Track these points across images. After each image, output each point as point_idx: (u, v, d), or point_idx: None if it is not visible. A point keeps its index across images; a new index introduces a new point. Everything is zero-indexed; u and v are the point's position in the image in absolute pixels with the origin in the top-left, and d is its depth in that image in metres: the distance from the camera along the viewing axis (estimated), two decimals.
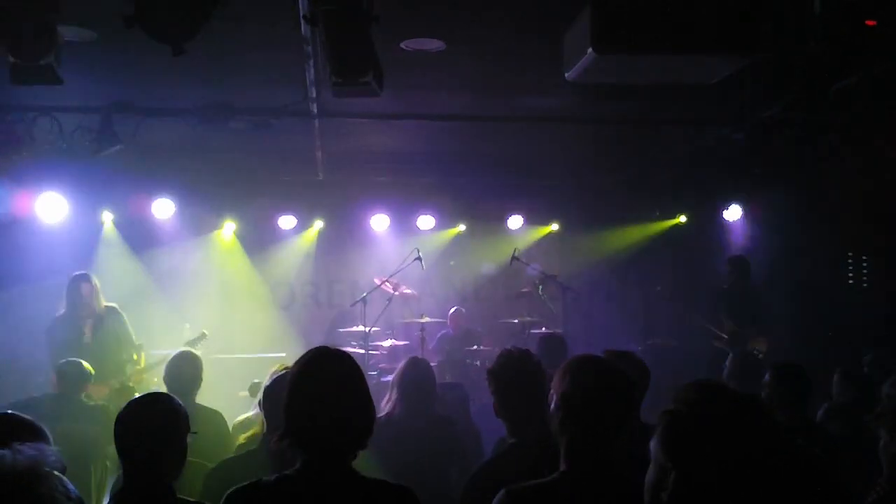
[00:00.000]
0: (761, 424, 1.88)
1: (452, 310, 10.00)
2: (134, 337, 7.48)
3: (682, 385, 1.95)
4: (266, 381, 3.87)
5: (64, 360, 6.11)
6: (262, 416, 4.04)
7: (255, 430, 4.38)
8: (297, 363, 2.64)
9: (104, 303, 7.40)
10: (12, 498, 1.65)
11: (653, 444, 1.93)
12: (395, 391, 4.80)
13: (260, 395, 3.98)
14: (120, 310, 7.47)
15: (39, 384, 7.55)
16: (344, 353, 2.67)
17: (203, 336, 7.64)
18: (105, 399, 6.68)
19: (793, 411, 4.60)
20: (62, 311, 7.31)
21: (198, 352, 5.81)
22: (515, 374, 3.48)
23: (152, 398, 3.16)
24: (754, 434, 1.84)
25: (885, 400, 3.23)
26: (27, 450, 1.72)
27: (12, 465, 1.68)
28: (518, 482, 2.66)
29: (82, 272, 7.46)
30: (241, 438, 4.53)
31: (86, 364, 6.13)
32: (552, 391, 2.75)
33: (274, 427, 3.51)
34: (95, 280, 7.38)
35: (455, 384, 5.78)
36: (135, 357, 7.38)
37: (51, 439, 2.49)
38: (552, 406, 2.73)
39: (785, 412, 4.58)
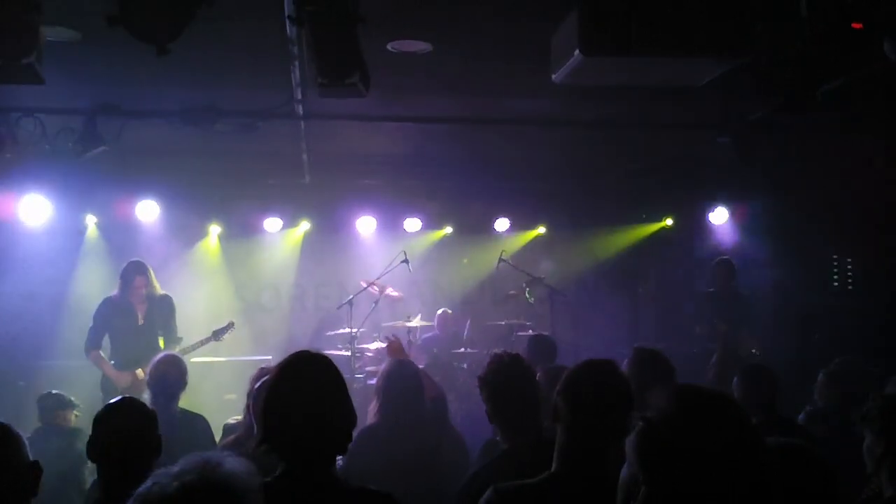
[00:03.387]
0: (742, 438, 1.82)
1: (440, 311, 9.97)
2: (177, 331, 7.56)
3: (663, 391, 1.90)
4: (257, 384, 3.83)
5: (41, 395, 6.23)
6: (244, 419, 4.02)
7: (238, 434, 4.35)
8: (276, 368, 2.62)
9: (160, 290, 7.55)
10: None
11: (627, 446, 1.88)
12: (378, 397, 4.76)
13: (248, 399, 3.95)
14: (173, 300, 7.62)
15: (20, 388, 7.52)
16: (324, 356, 2.64)
17: (231, 326, 7.93)
18: (126, 388, 6.93)
19: (764, 412, 4.69)
20: (114, 293, 7.45)
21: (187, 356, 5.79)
22: (507, 380, 3.47)
23: (125, 402, 3.13)
24: (733, 451, 1.79)
25: (871, 402, 3.23)
26: (227, 459, 1.68)
27: (215, 475, 1.63)
28: None
29: (137, 259, 7.61)
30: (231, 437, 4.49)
31: (65, 395, 6.23)
32: (555, 395, 2.74)
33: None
34: (150, 268, 7.54)
35: (435, 399, 5.59)
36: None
37: (25, 449, 2.44)
38: (553, 409, 2.72)
39: (757, 412, 4.68)
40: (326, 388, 2.54)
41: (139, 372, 7.10)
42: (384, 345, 9.01)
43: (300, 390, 2.51)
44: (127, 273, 7.45)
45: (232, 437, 4.44)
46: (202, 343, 7.65)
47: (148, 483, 1.59)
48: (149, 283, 7.46)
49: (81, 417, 6.18)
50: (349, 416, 2.56)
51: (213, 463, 1.62)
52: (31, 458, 2.47)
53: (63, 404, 6.15)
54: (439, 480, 4.35)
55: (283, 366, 2.59)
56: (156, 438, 3.01)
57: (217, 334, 7.78)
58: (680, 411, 1.81)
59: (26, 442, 2.45)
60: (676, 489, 1.76)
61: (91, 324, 7.36)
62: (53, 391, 6.21)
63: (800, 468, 2.65)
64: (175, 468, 1.60)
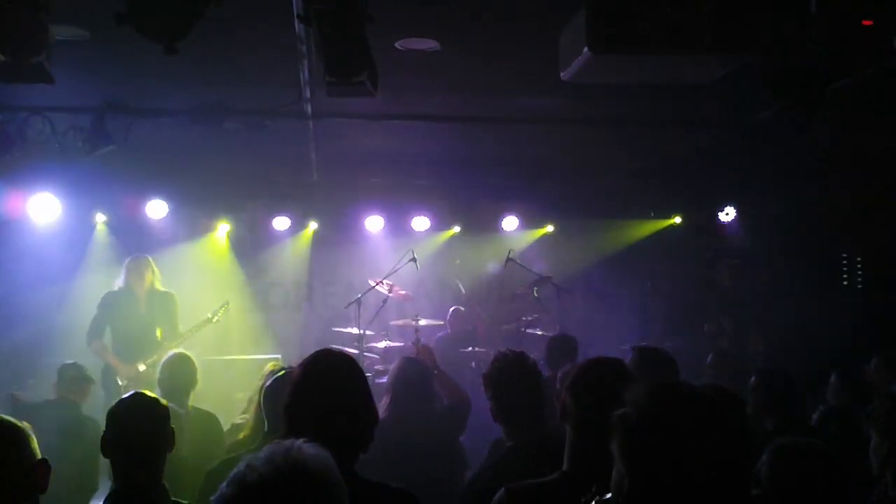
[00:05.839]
0: (721, 429, 1.83)
1: (452, 309, 9.95)
2: (180, 326, 7.73)
3: (639, 387, 1.92)
4: (267, 382, 3.84)
5: (64, 364, 6.17)
6: (252, 417, 4.02)
7: (245, 432, 4.35)
8: (300, 365, 2.64)
9: (160, 286, 7.76)
10: (308, 491, 1.66)
11: (613, 447, 1.91)
12: (388, 394, 4.77)
13: (259, 396, 3.95)
14: (176, 298, 7.82)
15: (31, 385, 7.54)
16: (347, 355, 2.68)
17: (225, 305, 8.15)
18: (130, 380, 7.15)
19: (781, 415, 4.65)
20: (119, 285, 7.68)
21: (192, 352, 5.79)
22: (511, 378, 3.47)
23: (139, 398, 3.14)
24: (712, 440, 1.80)
25: (877, 401, 3.22)
26: (305, 445, 1.74)
27: (304, 458, 1.70)
28: None
29: (141, 254, 7.87)
30: (238, 434, 4.49)
31: (87, 369, 6.20)
32: (563, 392, 2.73)
33: (275, 427, 3.49)
34: (152, 262, 7.78)
35: (454, 403, 5.41)
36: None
37: (32, 446, 2.44)
38: (561, 407, 2.72)
39: (773, 417, 4.64)
40: (350, 386, 2.57)
41: (140, 365, 7.31)
42: (392, 343, 9.07)
43: (324, 387, 2.54)
44: (131, 264, 7.67)
45: (240, 435, 4.44)
46: (199, 327, 7.82)
47: (241, 467, 1.66)
48: (152, 276, 7.65)
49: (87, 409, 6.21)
50: (372, 413, 2.59)
51: (296, 447, 1.72)
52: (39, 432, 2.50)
53: (84, 378, 6.06)
54: (447, 477, 4.35)
55: (307, 363, 2.62)
56: (169, 432, 3.05)
57: (213, 314, 7.99)
58: (651, 405, 1.84)
59: (33, 436, 2.45)
60: (653, 479, 1.80)
61: (94, 313, 7.56)
62: (76, 362, 6.19)
63: (815, 468, 2.66)
64: (261, 454, 1.69)
